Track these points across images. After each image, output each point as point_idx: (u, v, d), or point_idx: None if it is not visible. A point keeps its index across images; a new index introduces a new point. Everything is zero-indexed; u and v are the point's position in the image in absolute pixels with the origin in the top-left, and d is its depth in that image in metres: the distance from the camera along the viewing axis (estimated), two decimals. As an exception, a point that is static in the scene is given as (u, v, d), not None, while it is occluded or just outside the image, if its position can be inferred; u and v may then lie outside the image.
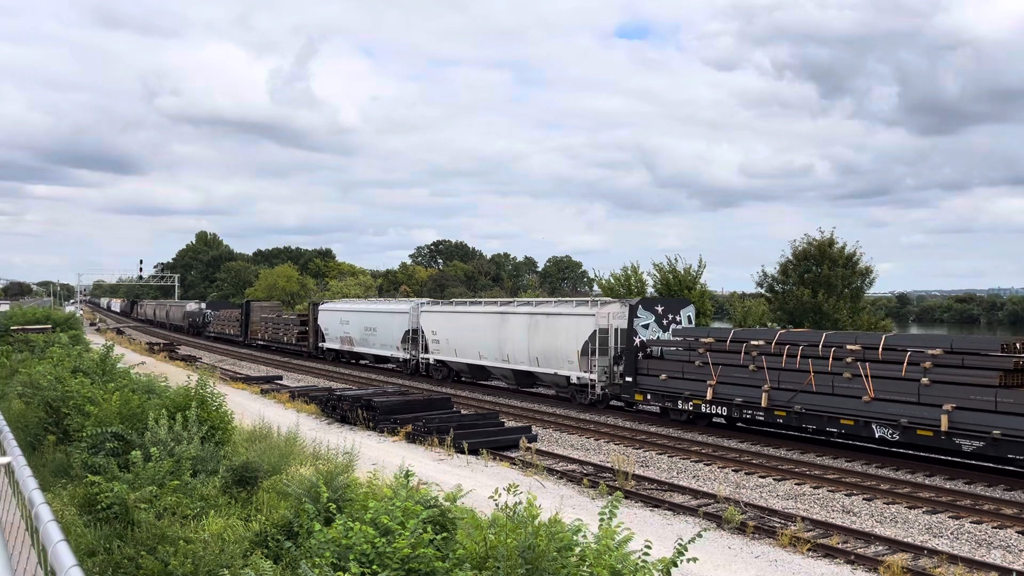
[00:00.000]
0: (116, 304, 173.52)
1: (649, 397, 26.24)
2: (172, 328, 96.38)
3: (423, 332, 39.39)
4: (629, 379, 27.15)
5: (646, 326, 28.29)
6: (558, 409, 29.82)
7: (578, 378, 29.35)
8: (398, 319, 41.93)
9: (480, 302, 38.47)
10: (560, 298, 39.18)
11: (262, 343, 62.41)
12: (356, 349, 47.14)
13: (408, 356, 40.91)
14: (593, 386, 28.90)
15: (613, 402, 29.17)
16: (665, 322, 28.69)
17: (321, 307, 52.54)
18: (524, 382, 33.63)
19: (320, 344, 51.50)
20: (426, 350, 39.29)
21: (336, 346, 49.41)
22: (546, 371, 31.04)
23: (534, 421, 26.91)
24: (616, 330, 28.56)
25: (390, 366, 45.08)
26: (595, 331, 28.61)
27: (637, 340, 27.60)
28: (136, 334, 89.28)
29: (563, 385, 30.73)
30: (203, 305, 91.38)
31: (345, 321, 48.07)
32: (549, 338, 30.66)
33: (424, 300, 43.37)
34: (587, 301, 30.67)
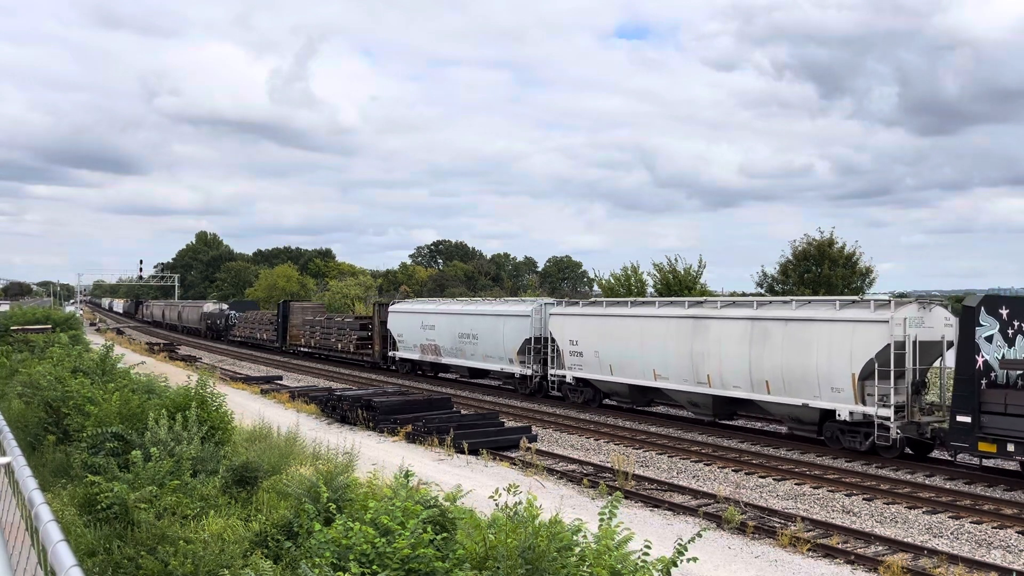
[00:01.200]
0: (119, 304, 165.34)
1: (1012, 448, 17.37)
2: (186, 331, 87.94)
3: (554, 341, 30.65)
4: (964, 418, 18.26)
5: (990, 338, 19.06)
6: (558, 409, 29.81)
7: (852, 413, 20.48)
8: (513, 324, 32.98)
9: (654, 302, 28.62)
10: (815, 297, 26.98)
11: (306, 350, 53.69)
12: (445, 360, 38.26)
13: (529, 371, 32.24)
14: (884, 427, 19.92)
15: (931, 452, 20.82)
16: (1011, 332, 19.53)
17: (392, 308, 43.64)
18: (726, 411, 25.49)
19: (391, 353, 42.87)
20: (558, 364, 30.55)
21: (414, 356, 40.73)
22: (785, 401, 22.20)
23: (534, 421, 26.91)
24: (915, 342, 20.13)
25: (495, 383, 36.51)
26: (888, 344, 19.83)
27: (980, 359, 18.53)
28: (137, 334, 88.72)
29: (813, 422, 22.02)
30: (224, 306, 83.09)
31: (429, 325, 39.23)
32: (793, 353, 21.96)
33: (549, 300, 34.34)
34: (868, 301, 21.89)
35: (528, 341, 32.04)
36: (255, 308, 76.74)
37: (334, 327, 50.26)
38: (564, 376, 30.30)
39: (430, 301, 43.95)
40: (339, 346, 48.64)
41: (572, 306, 31.42)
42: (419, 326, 40.05)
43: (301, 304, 61.18)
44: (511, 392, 34.46)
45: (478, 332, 35.19)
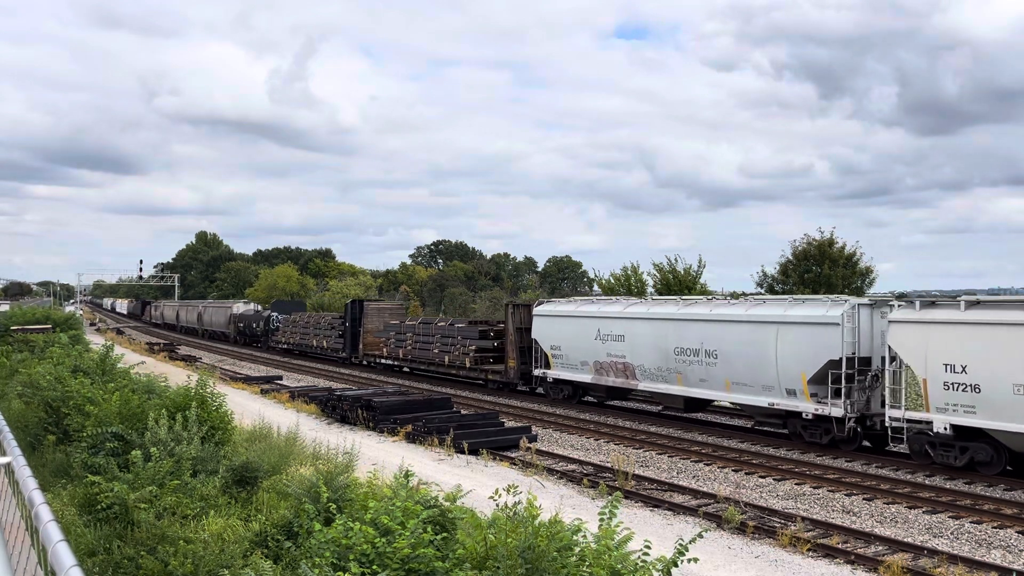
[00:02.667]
0: (122, 305, 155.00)
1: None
2: (208, 336, 77.01)
3: (903, 366, 19.27)
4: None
5: None
6: (558, 409, 29.81)
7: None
8: (802, 336, 21.88)
9: None
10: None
11: (389, 362, 43.05)
12: (644, 386, 26.75)
13: (834, 411, 20.84)
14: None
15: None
16: None
17: (541, 311, 31.74)
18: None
19: (538, 371, 31.68)
20: (909, 403, 19.15)
21: (582, 377, 29.32)
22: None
23: (534, 421, 26.90)
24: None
25: (734, 422, 26.76)
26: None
27: None
28: (137, 334, 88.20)
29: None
30: (254, 306, 73.36)
31: (614, 335, 27.65)
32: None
33: (863, 299, 22.58)
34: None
35: (832, 364, 20.86)
36: (301, 309, 65.88)
37: (437, 335, 38.89)
38: (928, 423, 18.81)
39: (609, 300, 30.98)
40: (446, 359, 37.07)
41: (950, 307, 19.06)
42: (592, 335, 28.46)
43: (378, 304, 48.70)
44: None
45: (719, 347, 23.81)
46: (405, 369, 42.70)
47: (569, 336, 29.78)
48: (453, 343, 37.08)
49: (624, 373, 27.39)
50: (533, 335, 31.67)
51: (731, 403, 24.99)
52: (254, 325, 64.25)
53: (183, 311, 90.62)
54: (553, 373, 30.87)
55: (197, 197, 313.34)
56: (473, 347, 35.52)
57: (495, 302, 76.65)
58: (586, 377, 29.15)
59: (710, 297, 26.42)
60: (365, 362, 45.99)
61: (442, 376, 39.00)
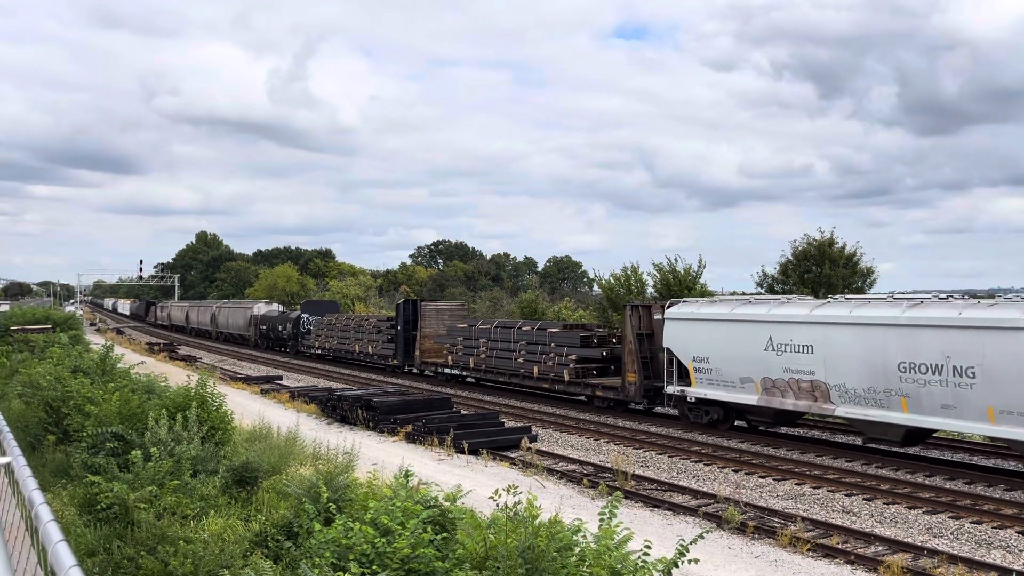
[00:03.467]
0: (124, 305, 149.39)
1: None
2: (224, 339, 71.33)
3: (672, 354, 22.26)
4: None
5: None
6: (558, 409, 29.80)
7: None
8: None
9: None
10: None
11: (455, 371, 36.69)
12: (842, 411, 20.63)
13: None
14: None
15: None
16: None
17: (677, 312, 25.38)
18: None
19: (673, 388, 25.08)
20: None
21: (744, 398, 23.04)
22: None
23: (534, 421, 26.90)
24: None
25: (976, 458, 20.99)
26: None
27: None
28: (137, 334, 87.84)
29: None
30: (280, 307, 67.51)
31: (796, 345, 21.76)
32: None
33: None
34: None
35: None
36: (334, 310, 57.73)
37: (521, 341, 32.49)
38: None
39: (783, 300, 23.75)
40: (535, 371, 31.01)
41: None
42: (760, 344, 22.49)
43: (436, 305, 42.33)
44: (511, 392, 34.22)
45: (980, 363, 17.66)
46: (472, 380, 36.69)
47: (721, 345, 23.61)
48: (544, 352, 30.90)
49: (811, 394, 21.25)
50: (665, 343, 25.37)
51: (993, 438, 18.88)
52: (280, 328, 58.07)
53: (194, 312, 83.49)
54: (696, 391, 24.29)
55: (197, 197, 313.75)
56: (573, 357, 29.55)
57: (495, 302, 76.55)
58: (747, 397, 22.86)
59: (947, 296, 19.53)
60: (423, 371, 40.30)
61: (529, 391, 33.23)
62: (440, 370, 37.95)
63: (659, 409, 27.73)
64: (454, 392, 33.59)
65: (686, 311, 25.48)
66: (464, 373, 36.31)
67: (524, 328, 33.30)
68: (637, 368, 26.81)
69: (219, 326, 72.48)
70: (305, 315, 55.15)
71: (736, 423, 24.59)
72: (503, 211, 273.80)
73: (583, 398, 30.46)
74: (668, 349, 25.36)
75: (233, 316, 68.95)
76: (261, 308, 65.39)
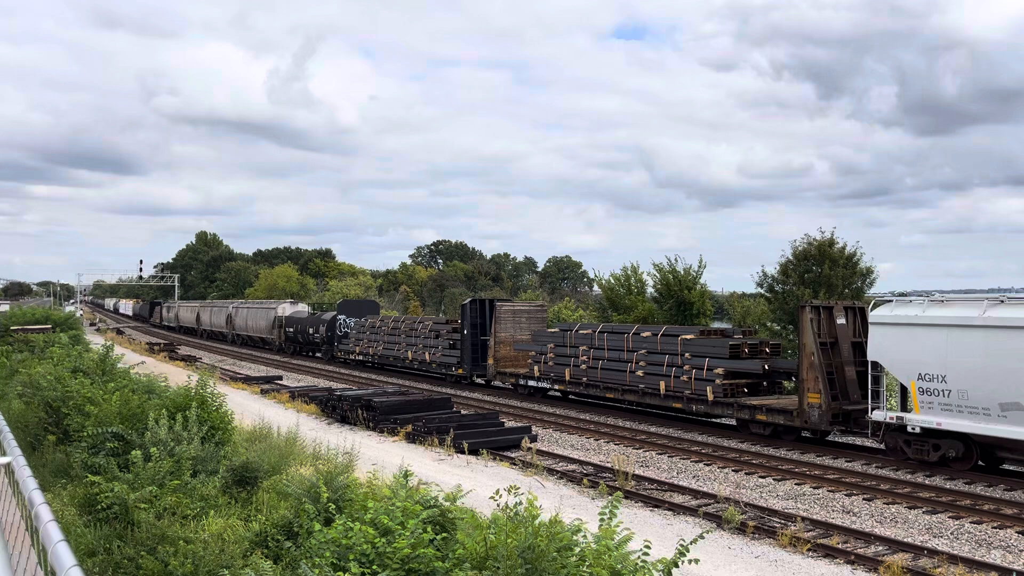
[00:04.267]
0: (126, 305, 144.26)
1: None
2: (242, 342, 66.25)
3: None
4: None
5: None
6: (558, 409, 29.80)
7: None
8: None
9: None
10: None
11: (543, 384, 31.05)
12: None
13: None
14: None
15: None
16: None
17: (889, 315, 20.14)
18: None
19: (889, 416, 19.79)
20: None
21: (1007, 430, 17.54)
22: None
23: (534, 421, 26.90)
24: None
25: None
26: None
27: None
28: (137, 334, 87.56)
29: None
30: (308, 308, 62.17)
31: None
32: None
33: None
34: None
35: None
36: (373, 311, 51.82)
37: (641, 350, 26.99)
38: None
39: None
40: (661, 387, 25.63)
41: None
42: None
43: (513, 305, 36.48)
44: (510, 392, 34.26)
45: None
46: (564, 394, 31.43)
47: (969, 358, 18.29)
48: (674, 364, 25.71)
49: None
50: (871, 355, 20.34)
51: None
52: (310, 330, 52.28)
53: (206, 313, 77.63)
54: (921, 419, 19.12)
55: (197, 197, 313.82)
56: (720, 371, 24.21)
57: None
58: (1013, 431, 17.39)
59: None
60: (497, 382, 35.18)
61: (652, 410, 27.91)
62: (521, 382, 32.48)
63: (849, 438, 22.93)
64: (454, 392, 33.49)
65: (907, 313, 19.75)
66: (554, 387, 30.68)
67: (643, 335, 27.43)
68: (822, 386, 21.32)
69: (236, 328, 67.10)
70: (342, 316, 49.43)
71: (981, 462, 19.00)
72: (503, 211, 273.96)
73: (734, 422, 24.62)
74: (875, 363, 20.15)
75: (253, 317, 63.62)
76: (287, 308, 59.35)
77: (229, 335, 69.36)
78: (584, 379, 29.13)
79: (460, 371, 36.37)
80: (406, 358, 40.93)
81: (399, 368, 42.90)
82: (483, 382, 36.35)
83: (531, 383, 32.01)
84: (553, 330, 32.44)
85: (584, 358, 29.20)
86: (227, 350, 48.79)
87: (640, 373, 26.87)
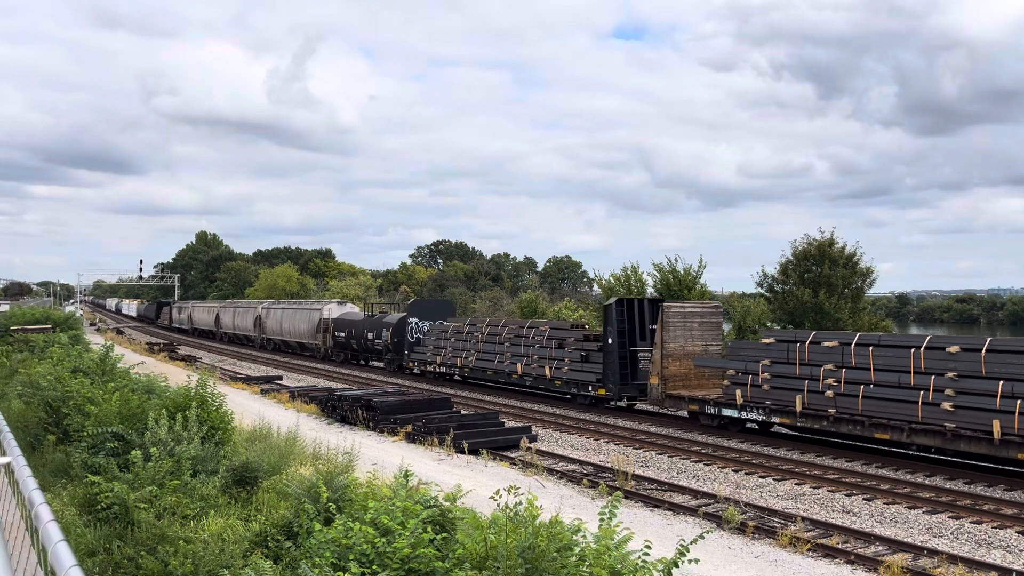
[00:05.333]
0: (130, 306, 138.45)
1: None
2: (273, 347, 59.54)
3: None
4: None
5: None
6: (558, 409, 29.80)
7: None
8: None
9: None
10: None
11: (754, 415, 23.15)
12: None
13: None
14: None
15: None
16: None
17: None
18: None
19: None
20: None
21: None
22: None
23: (534, 421, 26.90)
24: None
25: None
26: None
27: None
28: (137, 334, 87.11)
29: None
30: (357, 309, 54.41)
31: None
32: None
33: None
34: None
35: None
36: (450, 312, 44.28)
37: (949, 370, 19.11)
38: None
39: None
40: (995, 427, 17.58)
41: None
42: None
43: (682, 306, 27.45)
44: (510, 392, 34.22)
45: None
46: (808, 433, 23.24)
47: None
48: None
49: None
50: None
51: None
52: (369, 335, 44.88)
53: (228, 314, 69.39)
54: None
55: (197, 197, 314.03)
56: None
57: (495, 302, 76.35)
58: None
59: None
60: (670, 409, 26.68)
61: (966, 459, 19.45)
62: (710, 410, 24.30)
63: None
64: (454, 392, 33.40)
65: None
66: (774, 419, 22.81)
67: (950, 349, 19.38)
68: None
69: (267, 332, 59.64)
70: (414, 319, 41.81)
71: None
72: (503, 211, 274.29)
73: None
74: None
75: (291, 320, 55.86)
76: (333, 309, 51.81)
77: (258, 339, 62.33)
78: (831, 410, 21.09)
79: (600, 391, 28.46)
80: (512, 372, 32.93)
81: (501, 384, 35.31)
82: (641, 406, 28.28)
83: (727, 412, 23.83)
84: (767, 340, 24.14)
85: (831, 380, 21.44)
86: (259, 356, 46.70)
87: (947, 406, 18.77)
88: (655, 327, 26.75)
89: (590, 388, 29.27)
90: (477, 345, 36.08)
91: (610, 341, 28.26)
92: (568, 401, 30.66)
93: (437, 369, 38.50)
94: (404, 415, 24.91)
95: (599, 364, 28.94)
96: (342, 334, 48.62)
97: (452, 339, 38.20)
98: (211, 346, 53.53)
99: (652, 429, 25.46)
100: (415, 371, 40.82)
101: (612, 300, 29.61)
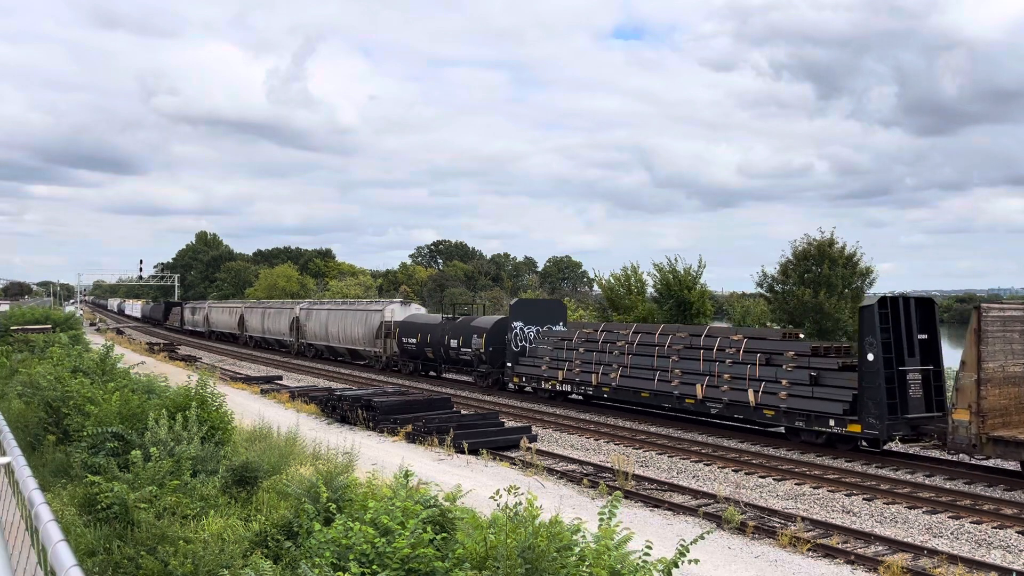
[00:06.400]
0: (134, 306, 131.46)
1: None
2: (315, 354, 52.37)
3: None
4: None
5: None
6: (558, 409, 29.79)
7: None
8: None
9: None
10: None
11: None
12: None
13: None
14: None
15: None
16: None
17: None
18: None
19: None
20: None
21: None
22: None
23: (534, 421, 26.90)
24: None
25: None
26: None
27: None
28: (137, 334, 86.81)
29: None
30: (424, 311, 47.67)
31: None
32: None
33: None
34: None
35: None
36: (560, 314, 35.91)
37: None
38: None
39: None
40: None
41: None
42: None
43: (1002, 308, 19.15)
44: (510, 391, 34.17)
45: None
46: None
47: None
48: None
49: None
50: None
51: None
52: (453, 342, 36.99)
53: (254, 316, 61.40)
54: None
55: (197, 197, 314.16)
56: None
57: (495, 302, 76.40)
58: None
59: None
60: (997, 456, 18.08)
61: None
62: None
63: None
64: (454, 392, 33.44)
65: None
66: None
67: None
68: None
69: (307, 337, 52.47)
70: (518, 324, 33.75)
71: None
72: (503, 211, 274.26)
73: None
74: None
75: (339, 323, 48.37)
76: (396, 311, 43.86)
77: (294, 345, 54.71)
78: None
79: (853, 427, 20.69)
80: (685, 396, 25.32)
81: (666, 411, 27.21)
82: (947, 453, 19.78)
83: None
84: None
85: None
86: (301, 366, 43.52)
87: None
88: (924, 336, 20.94)
89: (831, 423, 21.22)
90: (622, 358, 28.15)
91: (870, 357, 20.47)
92: (782, 438, 23.09)
93: (557, 387, 30.75)
94: (404, 415, 24.90)
95: (842, 388, 21.15)
96: (412, 340, 40.65)
97: (579, 349, 30.09)
98: (236, 351, 51.34)
99: (652, 429, 25.46)
100: (524, 388, 33.28)
101: (872, 300, 22.88)
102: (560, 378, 30.62)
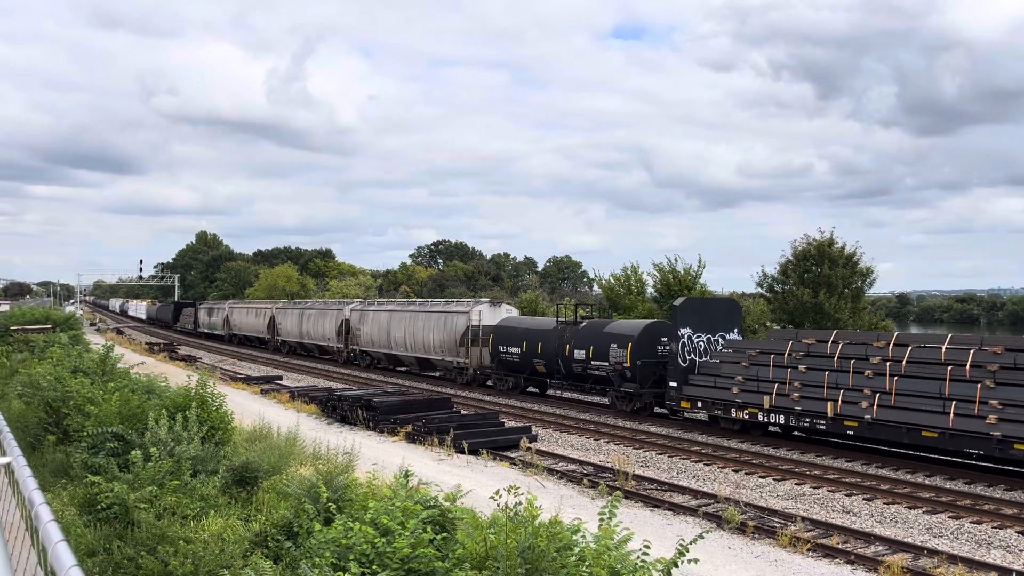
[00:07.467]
0: (138, 307, 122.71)
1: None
2: (370, 362, 45.32)
3: None
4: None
5: None
6: (558, 409, 29.80)
7: None
8: None
9: None
10: None
11: None
12: None
13: None
14: None
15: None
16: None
17: None
18: None
19: None
20: None
21: None
22: None
23: (534, 421, 26.90)
24: None
25: None
26: None
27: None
28: (137, 334, 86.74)
29: None
30: (517, 312, 39.79)
31: None
32: None
33: None
34: None
35: None
36: (737, 317, 28.12)
37: None
38: None
39: None
40: None
41: None
42: None
43: None
44: (511, 392, 34.25)
45: None
46: None
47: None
48: None
49: None
50: None
51: None
52: (578, 354, 29.56)
53: (289, 318, 54.13)
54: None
55: (197, 197, 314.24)
56: None
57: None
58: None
59: None
60: None
61: None
62: None
63: None
64: (454, 392, 33.46)
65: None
66: None
67: None
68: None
69: (360, 343, 45.54)
70: (686, 331, 26.12)
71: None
72: (503, 211, 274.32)
73: None
74: None
75: (407, 326, 40.97)
76: (484, 313, 36.80)
77: (342, 352, 47.99)
78: None
79: None
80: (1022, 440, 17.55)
81: (984, 461, 19.28)
82: None
83: None
84: None
85: None
86: (360, 377, 37.90)
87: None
88: None
89: None
90: (880, 381, 20.65)
91: None
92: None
93: (762, 417, 22.95)
94: (404, 415, 24.90)
95: None
96: (513, 350, 33.30)
97: (800, 367, 22.62)
98: (263, 357, 47.06)
99: (652, 429, 25.45)
100: (698, 417, 25.76)
101: None
102: (766, 405, 22.68)
